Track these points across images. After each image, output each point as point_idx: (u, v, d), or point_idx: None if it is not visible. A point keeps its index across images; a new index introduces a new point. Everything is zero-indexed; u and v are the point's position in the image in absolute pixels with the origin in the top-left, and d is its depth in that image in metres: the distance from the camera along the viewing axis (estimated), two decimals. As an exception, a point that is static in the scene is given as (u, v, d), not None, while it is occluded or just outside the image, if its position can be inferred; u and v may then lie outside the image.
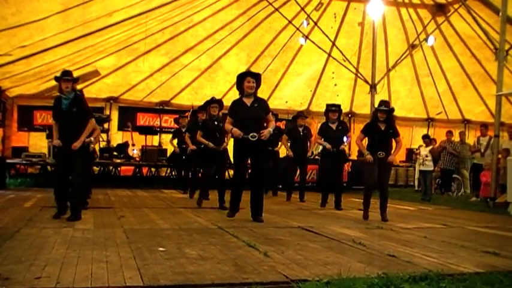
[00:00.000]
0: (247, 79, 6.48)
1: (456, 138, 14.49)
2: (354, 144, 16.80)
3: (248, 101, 6.52)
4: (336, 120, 8.62)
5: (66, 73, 6.19)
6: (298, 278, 3.39)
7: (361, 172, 13.39)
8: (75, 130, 6.11)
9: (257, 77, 6.59)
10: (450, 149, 12.20)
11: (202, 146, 8.15)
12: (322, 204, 8.80)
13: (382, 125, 6.99)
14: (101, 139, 13.50)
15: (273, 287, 3.25)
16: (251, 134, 6.29)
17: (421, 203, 10.62)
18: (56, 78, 6.20)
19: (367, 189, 7.28)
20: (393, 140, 7.12)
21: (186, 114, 13.37)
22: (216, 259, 3.95)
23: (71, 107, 6.10)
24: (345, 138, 9.00)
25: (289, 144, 9.99)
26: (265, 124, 6.59)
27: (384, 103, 7.06)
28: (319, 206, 8.74)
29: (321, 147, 9.15)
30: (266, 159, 6.85)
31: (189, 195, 9.83)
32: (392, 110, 7.06)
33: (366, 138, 7.27)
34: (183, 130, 10.46)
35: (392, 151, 7.07)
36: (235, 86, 14.99)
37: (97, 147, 13.41)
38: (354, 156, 16.01)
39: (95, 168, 13.27)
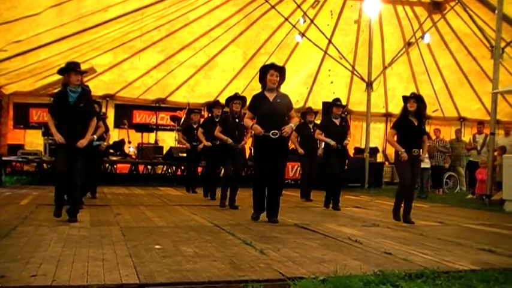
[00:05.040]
0: (271, 72, 6.12)
1: (452, 135, 14.57)
2: (351, 144, 16.91)
3: (270, 96, 6.17)
4: (339, 116, 8.23)
5: (77, 64, 5.81)
6: (294, 275, 3.39)
7: (358, 170, 13.54)
8: (81, 126, 5.75)
9: (281, 70, 6.24)
10: (439, 147, 12.26)
11: (218, 142, 7.78)
12: (326, 204, 8.24)
13: (415, 119, 6.55)
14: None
15: (269, 285, 3.25)
16: (272, 132, 5.98)
17: (417, 201, 10.63)
18: (64, 70, 5.73)
19: (402, 189, 6.69)
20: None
21: (183, 112, 13.39)
22: (212, 257, 3.95)
23: (78, 102, 5.69)
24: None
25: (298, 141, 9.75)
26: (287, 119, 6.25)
27: (413, 93, 6.75)
28: (323, 206, 8.23)
29: (323, 144, 8.85)
30: (287, 157, 6.59)
31: (204, 194, 9.32)
32: (423, 99, 6.63)
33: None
34: (195, 126, 10.15)
35: (421, 149, 6.61)
36: (231, 84, 15.17)
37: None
38: (350, 153, 16.05)
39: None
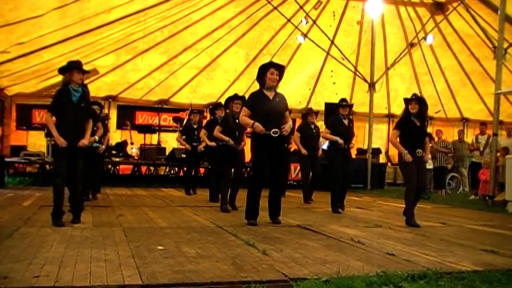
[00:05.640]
0: (271, 70, 6.05)
1: (454, 136, 14.55)
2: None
3: (270, 95, 6.10)
4: (346, 117, 8.09)
5: (79, 63, 5.74)
6: (297, 276, 3.39)
7: (361, 171, 13.50)
8: (82, 126, 5.70)
9: (281, 69, 6.18)
10: (441, 148, 12.25)
11: (221, 143, 7.69)
12: (334, 207, 7.87)
13: (417, 120, 6.54)
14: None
15: (271, 286, 3.24)
16: (273, 130, 5.93)
17: (420, 201, 10.56)
18: (66, 68, 5.65)
19: (411, 192, 6.59)
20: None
21: (186, 113, 13.38)
22: (215, 258, 3.95)
23: (80, 101, 5.61)
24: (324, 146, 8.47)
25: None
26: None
27: (414, 95, 6.67)
28: (331, 210, 7.83)
29: (326, 143, 8.80)
30: (287, 156, 6.50)
31: (210, 198, 9.01)
32: (424, 101, 6.62)
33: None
34: (194, 127, 10.16)
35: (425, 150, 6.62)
36: (233, 85, 15.16)
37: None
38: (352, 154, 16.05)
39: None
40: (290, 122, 6.22)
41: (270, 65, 6.22)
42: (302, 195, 9.53)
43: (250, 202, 6.12)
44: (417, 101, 6.53)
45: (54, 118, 5.75)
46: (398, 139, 6.63)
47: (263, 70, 6.14)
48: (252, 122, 6.04)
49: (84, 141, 5.68)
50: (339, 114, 8.06)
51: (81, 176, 5.86)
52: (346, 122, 8.04)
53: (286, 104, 6.30)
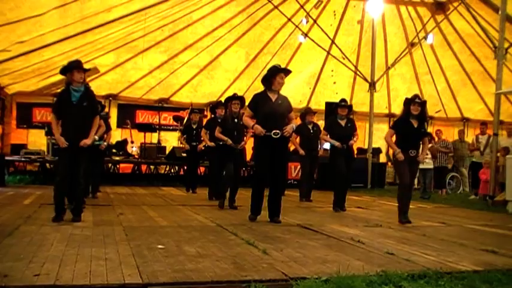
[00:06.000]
0: (280, 75, 6.13)
1: (455, 136, 14.56)
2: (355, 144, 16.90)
3: (273, 97, 6.19)
4: (345, 117, 8.03)
5: (79, 62, 5.75)
6: (297, 275, 3.39)
7: (361, 171, 13.50)
8: (84, 126, 5.72)
9: (288, 75, 6.32)
10: (441, 147, 12.27)
11: (221, 143, 7.74)
12: (336, 207, 7.91)
13: (415, 121, 6.53)
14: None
15: (272, 285, 3.24)
16: (274, 132, 5.99)
17: (420, 201, 10.61)
18: (66, 69, 5.65)
19: (403, 189, 6.69)
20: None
21: (186, 112, 13.38)
22: (215, 257, 3.95)
23: (81, 101, 5.62)
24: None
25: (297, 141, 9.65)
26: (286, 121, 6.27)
27: (417, 96, 6.66)
28: (333, 210, 7.86)
29: (328, 144, 8.79)
30: (287, 157, 6.57)
31: (209, 197, 9.08)
32: (425, 102, 6.64)
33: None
34: (194, 126, 10.21)
35: (420, 150, 6.67)
36: (234, 84, 15.13)
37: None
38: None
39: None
40: (293, 124, 6.27)
41: (281, 70, 6.25)
42: (299, 193, 9.56)
43: (253, 200, 6.26)
44: (420, 104, 6.53)
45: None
46: (394, 138, 6.68)
47: (272, 74, 6.17)
48: (252, 123, 6.14)
49: (86, 141, 5.70)
50: (337, 115, 8.06)
51: (83, 175, 5.87)
52: (343, 122, 8.00)
53: (290, 105, 6.35)
